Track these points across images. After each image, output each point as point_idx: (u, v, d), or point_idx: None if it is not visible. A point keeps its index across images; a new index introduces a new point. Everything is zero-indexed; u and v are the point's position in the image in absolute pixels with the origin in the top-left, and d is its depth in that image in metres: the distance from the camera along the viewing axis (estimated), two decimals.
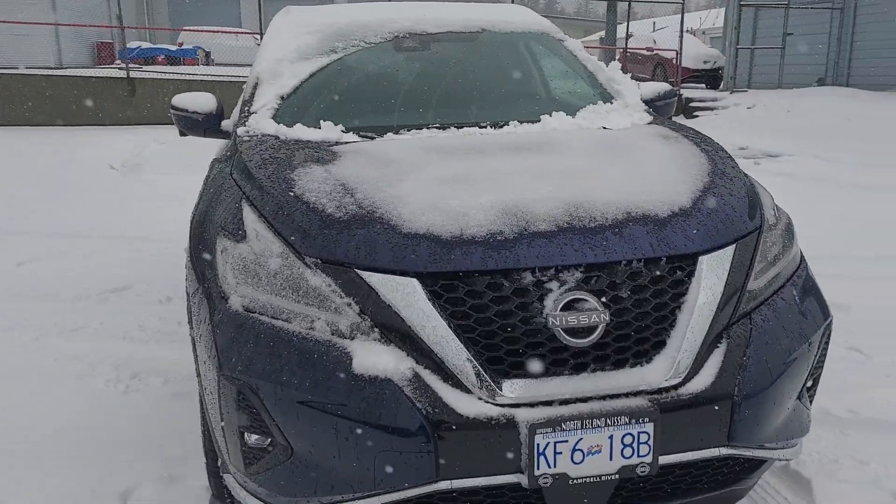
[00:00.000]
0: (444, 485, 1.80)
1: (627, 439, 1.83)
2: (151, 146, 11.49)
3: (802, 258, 2.34)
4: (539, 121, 2.82)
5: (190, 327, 2.32)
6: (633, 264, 1.92)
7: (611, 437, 1.82)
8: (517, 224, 1.95)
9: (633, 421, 1.82)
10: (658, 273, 1.94)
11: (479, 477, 1.81)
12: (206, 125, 3.02)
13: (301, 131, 2.65)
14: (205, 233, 2.26)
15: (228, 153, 2.74)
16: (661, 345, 1.91)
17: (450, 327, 1.82)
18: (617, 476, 1.85)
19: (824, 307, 2.23)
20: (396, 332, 1.84)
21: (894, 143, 10.23)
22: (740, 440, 1.94)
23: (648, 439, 1.84)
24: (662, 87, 3.32)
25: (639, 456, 1.85)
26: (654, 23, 34.83)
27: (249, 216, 2.10)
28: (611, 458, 1.83)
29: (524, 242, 1.91)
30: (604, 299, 1.87)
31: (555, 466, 1.80)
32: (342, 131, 2.65)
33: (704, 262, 1.99)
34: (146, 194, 8.27)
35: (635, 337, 1.90)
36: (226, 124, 3.04)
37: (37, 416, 3.17)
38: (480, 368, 1.81)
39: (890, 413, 3.05)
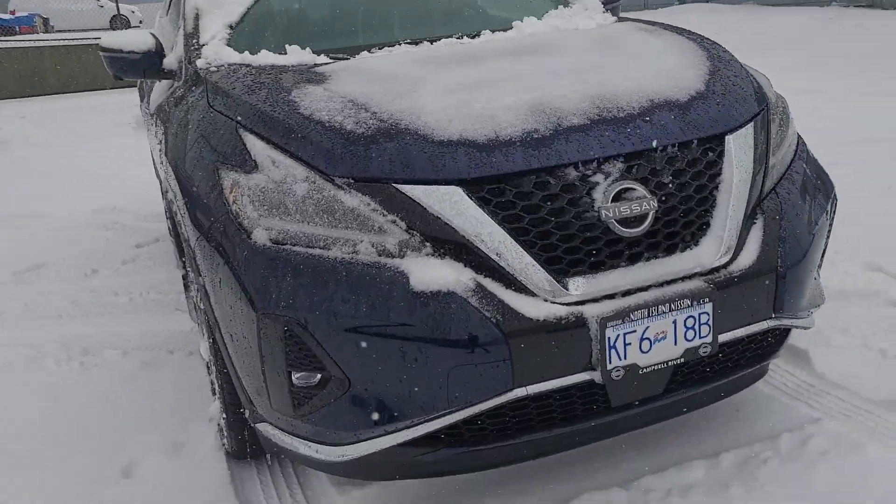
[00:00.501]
0: (519, 392, 1.75)
1: (689, 322, 1.83)
2: (14, 121, 10.61)
3: (799, 136, 2.39)
4: (512, 28, 2.73)
5: (191, 276, 2.15)
6: (669, 149, 1.90)
7: (675, 322, 1.81)
8: (550, 121, 1.88)
9: (694, 303, 1.82)
10: (692, 156, 1.93)
11: (552, 380, 1.77)
12: (145, 65, 2.75)
13: (270, 57, 2.46)
14: (196, 172, 2.06)
15: (187, 89, 2.51)
16: (705, 226, 1.91)
17: (506, 232, 1.75)
18: (682, 359, 1.85)
19: (828, 179, 2.30)
20: (450, 243, 1.75)
21: (760, 52, 10.73)
22: (784, 311, 1.98)
23: (708, 319, 1.85)
24: None
25: (700, 337, 1.85)
26: None
27: (256, 144, 1.93)
28: (675, 343, 1.83)
29: (562, 138, 1.84)
30: (648, 187, 1.85)
31: (625, 358, 1.78)
32: (313, 53, 2.47)
33: (731, 141, 1.99)
34: (23, 170, 7.65)
35: (682, 221, 1.89)
36: (168, 62, 2.78)
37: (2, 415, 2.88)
38: (543, 269, 1.75)
39: (853, 283, 3.22)
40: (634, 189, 1.83)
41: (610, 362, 1.77)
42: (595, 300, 1.78)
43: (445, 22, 2.97)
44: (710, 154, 1.96)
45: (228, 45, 2.62)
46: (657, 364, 1.83)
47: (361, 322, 1.71)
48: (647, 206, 1.82)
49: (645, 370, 1.81)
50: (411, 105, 1.95)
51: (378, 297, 1.72)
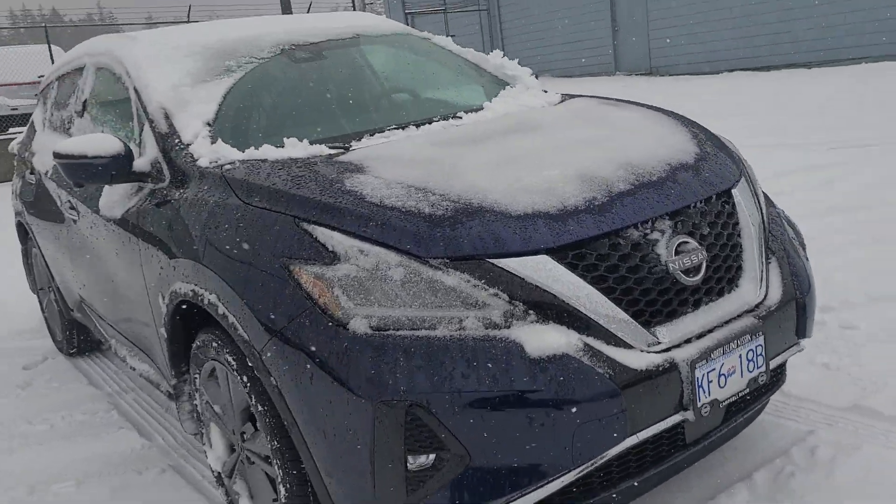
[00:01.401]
0: (631, 440, 1.87)
1: (750, 354, 2.05)
2: None
3: None
4: (483, 108, 2.91)
5: (196, 383, 2.22)
6: (699, 205, 2.14)
7: (740, 356, 2.03)
8: (602, 189, 2.06)
9: (752, 337, 2.05)
10: (716, 209, 2.18)
11: (655, 424, 1.90)
12: (114, 168, 2.62)
13: (276, 151, 2.45)
14: (252, 272, 2.02)
15: (180, 189, 2.44)
16: (739, 269, 2.16)
17: (599, 292, 1.89)
18: (747, 389, 2.06)
19: (790, 219, 2.66)
20: (551, 308, 1.86)
21: None
22: (804, 335, 2.27)
23: (762, 350, 2.08)
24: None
25: (757, 367, 2.08)
26: None
27: (333, 235, 1.94)
28: (741, 375, 2.04)
29: (618, 203, 2.03)
30: (695, 239, 2.07)
31: (710, 395, 1.96)
32: (312, 144, 2.50)
33: (737, 193, 2.28)
34: None
35: (724, 266, 2.12)
36: (140, 164, 2.67)
37: None
38: (636, 323, 1.91)
39: None
40: (688, 242, 2.04)
41: (699, 400, 1.94)
42: (678, 346, 1.95)
43: (419, 104, 3.10)
44: (727, 206, 2.23)
45: (213, 142, 2.58)
46: (730, 397, 2.02)
47: (485, 395, 1.76)
48: (701, 256, 2.04)
49: (722, 404, 2.00)
50: (471, 184, 2.05)
51: (498, 369, 1.78)
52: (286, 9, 17.80)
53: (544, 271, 1.87)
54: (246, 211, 2.16)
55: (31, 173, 4.16)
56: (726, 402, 2.02)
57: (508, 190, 2.02)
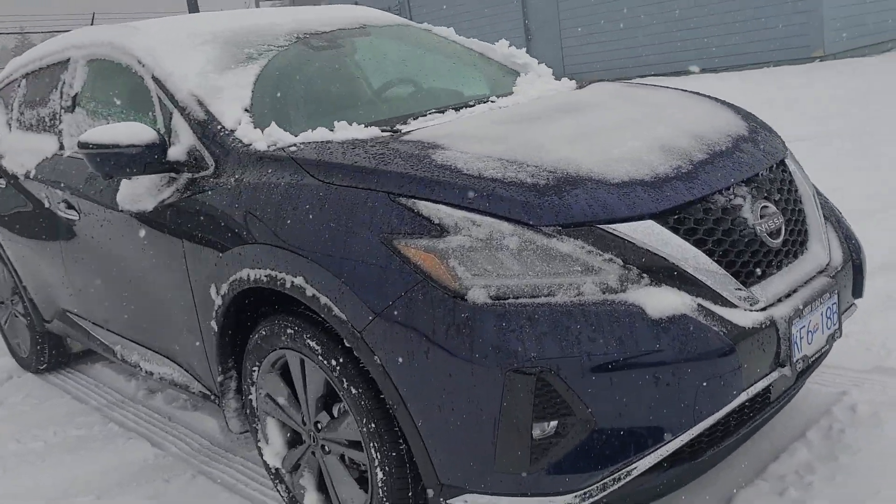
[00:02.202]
0: (743, 396, 1.92)
1: (828, 312, 2.15)
2: None
3: None
4: (512, 92, 2.94)
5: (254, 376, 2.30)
6: (767, 172, 2.24)
7: (822, 314, 2.12)
8: (684, 159, 2.12)
9: (829, 295, 2.15)
10: (780, 176, 2.28)
11: (761, 380, 1.97)
12: (148, 158, 2.50)
13: (331, 134, 2.40)
14: (350, 251, 1.96)
15: (236, 174, 2.35)
16: (806, 233, 2.27)
17: (704, 254, 1.94)
18: (826, 346, 2.16)
19: None
20: (663, 271, 1.89)
21: None
22: (860, 293, 2.39)
23: (837, 309, 2.19)
24: None
25: (833, 324, 2.18)
26: None
27: (439, 208, 1.91)
28: (823, 332, 2.14)
29: (702, 171, 2.09)
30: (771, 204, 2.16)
31: (801, 350, 2.04)
32: (364, 127, 2.46)
33: (790, 163, 2.39)
34: None
35: (796, 229, 2.22)
36: (175, 153, 2.56)
37: None
38: (739, 283, 1.97)
39: None
40: (768, 206, 2.12)
41: (794, 356, 2.02)
42: (773, 304, 2.02)
43: (451, 89, 3.09)
44: (786, 174, 2.33)
45: (256, 127, 2.50)
46: (815, 353, 2.11)
47: (613, 358, 1.78)
48: (780, 219, 2.12)
49: (809, 359, 2.09)
50: (563, 156, 2.07)
51: (623, 331, 1.80)
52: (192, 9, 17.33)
53: (653, 235, 1.90)
54: (328, 190, 2.10)
55: (0, 177, 3.89)
56: (812, 358, 2.10)
57: (601, 160, 2.05)
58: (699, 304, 1.88)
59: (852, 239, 2.42)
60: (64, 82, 3.41)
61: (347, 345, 2.03)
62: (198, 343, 2.63)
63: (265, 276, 2.18)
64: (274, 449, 2.48)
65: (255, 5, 42.92)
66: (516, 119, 2.44)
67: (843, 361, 3.02)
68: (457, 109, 2.69)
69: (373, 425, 2.04)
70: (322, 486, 2.40)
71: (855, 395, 2.74)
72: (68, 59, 3.43)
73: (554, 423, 1.83)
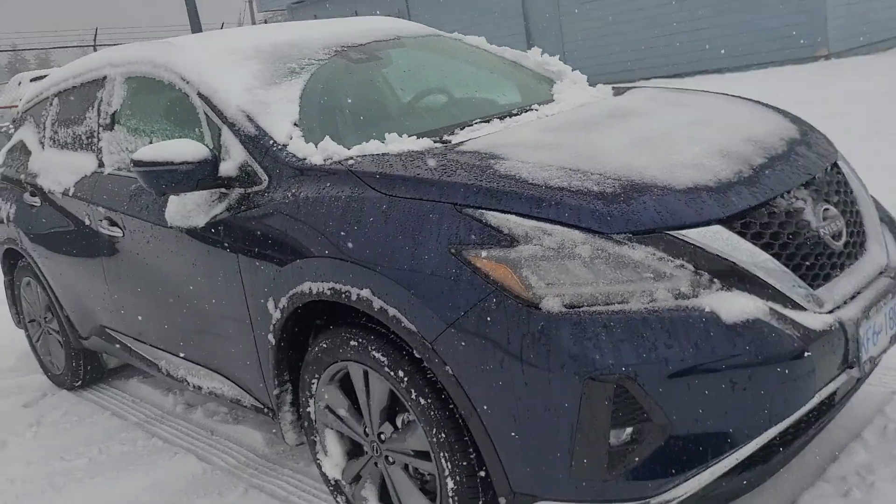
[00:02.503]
0: (815, 399, 1.93)
1: (891, 313, 2.16)
2: None
3: None
4: (553, 100, 2.95)
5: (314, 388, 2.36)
6: (823, 175, 2.25)
7: (885, 315, 2.13)
8: (745, 164, 2.13)
9: (892, 296, 2.16)
10: (835, 179, 2.30)
11: (831, 382, 1.98)
12: (200, 174, 2.52)
13: (384, 146, 2.42)
14: (418, 264, 1.97)
15: (293, 189, 2.37)
16: (864, 234, 2.28)
17: (772, 258, 1.95)
18: (889, 346, 2.17)
19: None
20: (733, 276, 1.90)
21: None
22: None
23: None
24: None
25: (894, 325, 2.19)
26: None
27: (508, 219, 1.92)
28: (886, 333, 2.14)
29: (762, 175, 2.11)
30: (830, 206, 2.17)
31: (868, 352, 2.05)
32: (417, 139, 2.47)
33: (842, 165, 2.40)
34: None
35: (855, 231, 2.23)
36: (226, 169, 2.57)
37: None
38: (807, 286, 1.98)
39: None
40: (829, 208, 2.14)
41: (863, 357, 2.02)
42: (840, 306, 2.03)
43: (493, 98, 3.11)
44: (840, 176, 2.34)
45: (307, 141, 2.52)
46: (879, 353, 2.12)
47: (690, 363, 1.79)
48: (841, 221, 2.14)
49: (875, 360, 2.10)
50: (625, 163, 2.08)
51: (699, 336, 1.80)
52: (195, 28, 17.40)
53: (721, 240, 1.92)
54: (392, 203, 2.11)
55: (33, 196, 3.90)
56: (878, 359, 2.11)
57: (664, 167, 2.06)
58: (771, 308, 1.89)
59: None
60: (101, 100, 3.43)
61: (417, 356, 2.04)
62: (251, 357, 2.64)
63: (328, 289, 2.19)
64: (333, 460, 2.49)
65: (249, 16, 43.06)
66: (569, 127, 2.45)
67: (891, 361, 3.02)
68: (501, 119, 2.71)
69: (442, 435, 2.05)
70: (383, 497, 2.41)
71: None
72: (104, 77, 3.44)
73: (630, 430, 1.84)
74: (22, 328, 4.60)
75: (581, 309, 1.83)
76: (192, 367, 3.09)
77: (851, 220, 2.24)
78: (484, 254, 1.91)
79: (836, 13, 13.05)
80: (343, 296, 2.15)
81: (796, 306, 1.94)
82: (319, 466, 2.54)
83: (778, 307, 1.91)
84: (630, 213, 1.91)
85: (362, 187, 2.21)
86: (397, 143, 2.43)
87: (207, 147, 2.56)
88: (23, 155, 4.17)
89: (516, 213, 1.94)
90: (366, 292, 2.08)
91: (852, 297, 2.08)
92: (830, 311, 1.99)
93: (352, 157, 2.36)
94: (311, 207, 2.28)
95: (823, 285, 2.04)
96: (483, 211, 1.97)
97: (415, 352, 2.04)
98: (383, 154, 2.34)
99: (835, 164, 2.37)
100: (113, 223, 3.20)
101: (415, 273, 1.99)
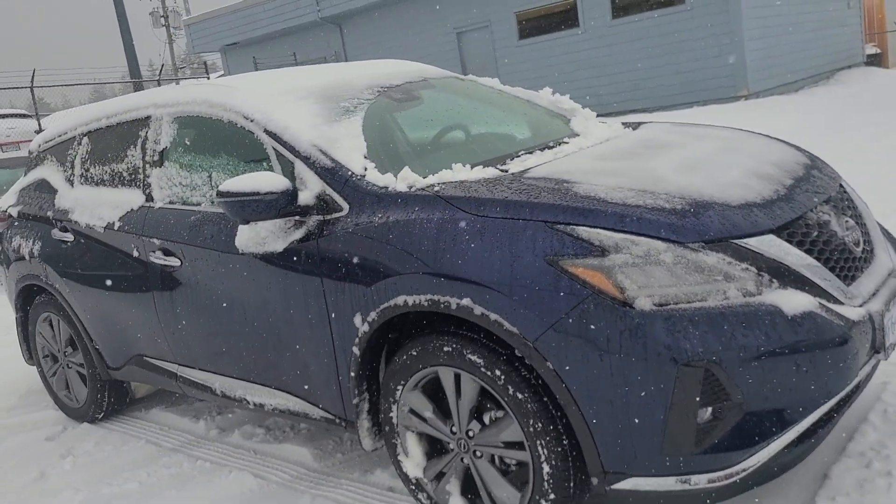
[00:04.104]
0: (856, 378, 2.30)
1: None
2: None
3: None
4: (578, 134, 3.32)
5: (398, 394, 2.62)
6: (836, 193, 2.67)
7: None
8: (779, 184, 2.53)
9: None
10: (843, 196, 2.72)
11: (865, 365, 2.36)
12: (283, 203, 2.76)
13: (453, 174, 2.71)
14: (517, 274, 2.27)
15: (370, 215, 2.63)
16: (871, 243, 2.69)
17: (816, 261, 2.33)
18: None
19: None
20: (787, 276, 2.27)
21: None
22: None
23: None
24: None
25: None
26: None
27: (598, 232, 2.24)
28: None
29: (795, 193, 2.51)
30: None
31: (889, 338, 2.45)
32: (483, 168, 2.79)
33: (845, 185, 2.83)
34: None
35: (865, 239, 2.65)
36: (304, 198, 2.82)
37: None
38: (842, 284, 2.36)
39: None
40: (849, 220, 2.55)
41: (887, 343, 2.42)
42: (867, 301, 2.43)
43: (527, 133, 3.45)
44: (846, 193, 2.77)
45: (380, 172, 2.79)
46: (894, 342, 2.52)
47: (763, 349, 2.13)
48: (858, 231, 2.55)
49: (892, 347, 2.50)
50: (684, 185, 2.44)
51: (768, 327, 2.16)
52: (133, 68, 17.29)
53: (775, 246, 2.29)
54: (485, 223, 2.40)
55: (64, 231, 4.02)
56: (894, 346, 2.51)
57: (717, 187, 2.44)
58: (820, 303, 2.26)
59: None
60: (146, 139, 3.61)
61: (518, 355, 2.33)
62: (328, 371, 2.86)
63: (426, 300, 2.45)
64: (414, 461, 2.73)
65: (170, 57, 42.65)
66: (616, 156, 2.81)
67: None
68: (541, 150, 3.05)
69: (539, 425, 2.33)
70: (466, 490, 2.65)
71: None
72: (148, 117, 3.63)
73: (710, 409, 2.17)
74: (34, 364, 4.64)
75: (669, 307, 2.16)
76: (251, 387, 3.28)
77: (862, 231, 2.66)
78: (580, 263, 2.22)
79: (754, 57, 14.09)
80: (442, 305, 2.42)
81: (836, 301, 2.32)
82: (400, 467, 2.77)
83: (824, 301, 2.28)
84: (700, 225, 2.26)
85: (452, 210, 2.49)
86: (465, 172, 2.73)
87: (287, 179, 2.80)
88: (45, 193, 4.28)
89: (604, 228, 2.26)
90: (466, 301, 2.36)
91: (873, 294, 2.48)
92: (861, 305, 2.38)
93: (434, 184, 2.65)
94: (403, 229, 2.55)
95: (853, 284, 2.44)
96: (574, 226, 2.28)
97: (516, 351, 2.32)
98: (461, 181, 2.64)
99: (840, 185, 2.80)
100: (169, 253, 3.37)
101: (514, 282, 2.28)
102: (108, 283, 3.77)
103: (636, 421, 2.17)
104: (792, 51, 15.25)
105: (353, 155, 2.85)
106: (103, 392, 4.20)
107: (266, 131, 3.05)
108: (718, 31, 13.99)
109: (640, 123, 3.57)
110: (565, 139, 3.23)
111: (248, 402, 3.31)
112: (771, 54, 14.54)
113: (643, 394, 2.15)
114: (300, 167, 2.90)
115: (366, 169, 2.80)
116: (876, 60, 19.28)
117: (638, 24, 15.03)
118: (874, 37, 21.16)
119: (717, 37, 14.02)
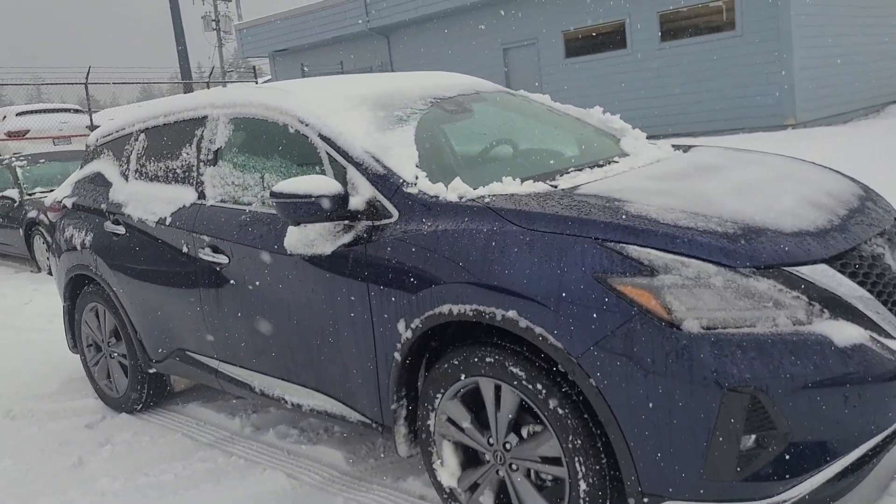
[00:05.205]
0: None
1: None
2: None
3: None
4: (629, 154, 3.32)
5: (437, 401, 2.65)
6: (889, 226, 2.64)
7: None
8: (832, 214, 2.51)
9: None
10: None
11: None
12: (334, 207, 2.80)
13: (503, 187, 2.73)
14: (564, 288, 2.27)
15: (422, 222, 2.66)
16: None
17: (869, 293, 2.30)
18: None
19: None
20: (839, 307, 2.25)
21: None
22: None
23: None
24: None
25: None
26: None
27: (649, 252, 2.24)
28: None
29: (848, 223, 2.48)
30: None
31: None
32: (533, 182, 2.80)
33: None
34: None
35: None
36: (355, 203, 2.86)
37: None
38: (895, 318, 2.33)
39: None
40: None
41: None
42: None
43: (581, 149, 3.47)
44: None
45: (431, 181, 2.82)
46: None
47: (811, 379, 2.11)
48: None
49: None
50: (736, 209, 2.43)
51: (818, 357, 2.14)
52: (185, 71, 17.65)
53: (827, 276, 2.26)
54: (534, 236, 2.41)
55: (117, 224, 4.11)
56: None
57: (769, 213, 2.42)
58: (871, 336, 2.23)
59: None
60: (202, 138, 3.69)
61: (561, 370, 2.33)
62: (368, 375, 2.89)
63: (471, 310, 2.47)
64: (449, 470, 2.74)
65: (219, 60, 43.44)
66: (668, 177, 2.81)
67: None
68: (591, 168, 3.05)
69: (578, 441, 2.33)
70: (499, 502, 2.65)
71: None
72: (205, 117, 3.71)
73: (754, 436, 2.15)
74: (77, 353, 4.74)
75: (717, 330, 2.15)
76: (290, 387, 3.31)
77: None
78: (629, 281, 2.22)
79: (803, 86, 13.92)
80: (487, 316, 2.43)
81: (887, 335, 2.29)
82: (435, 475, 2.78)
83: (875, 335, 2.26)
84: (752, 250, 2.25)
85: (502, 222, 2.51)
86: (515, 186, 2.75)
87: (340, 183, 2.85)
88: (100, 186, 4.38)
89: (654, 248, 2.26)
90: (512, 313, 2.37)
91: None
92: None
93: (485, 196, 2.67)
94: (452, 238, 2.57)
95: None
96: (624, 245, 2.29)
97: (559, 366, 2.32)
98: (512, 194, 2.66)
99: (895, 218, 2.76)
100: (217, 250, 3.43)
101: (561, 296, 2.29)
102: (156, 276, 3.85)
103: (677, 444, 2.17)
104: (842, 82, 15.03)
105: (404, 163, 2.89)
106: (143, 384, 4.28)
107: (320, 136, 3.10)
108: (769, 58, 13.85)
109: (690, 146, 3.56)
110: (615, 158, 3.24)
111: (286, 402, 3.34)
112: (821, 84, 14.35)
113: (686, 417, 2.14)
114: (352, 172, 2.94)
115: (417, 177, 2.83)
116: None
117: (687, 47, 14.95)
118: None
119: (767, 64, 13.88)
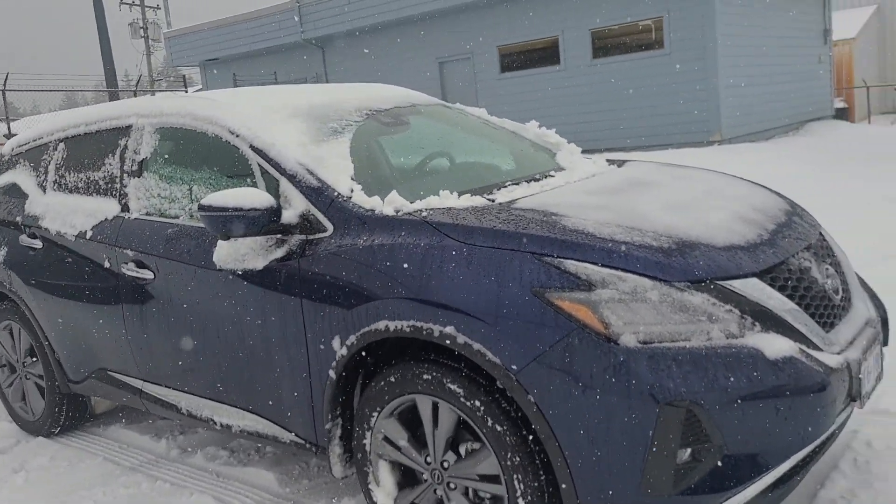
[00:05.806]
0: (833, 425, 2.30)
1: (877, 357, 2.59)
2: None
3: None
4: (564, 168, 3.33)
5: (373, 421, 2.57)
6: (814, 241, 2.70)
7: (875, 357, 2.56)
8: (762, 229, 2.55)
9: (877, 342, 2.59)
10: (822, 243, 2.75)
11: (842, 412, 2.36)
12: (265, 221, 2.71)
13: (440, 201, 2.69)
14: (502, 304, 2.24)
15: (357, 236, 2.60)
16: (848, 290, 2.72)
17: (798, 307, 2.34)
18: (875, 384, 2.58)
19: None
20: (769, 320, 2.27)
21: None
22: (887, 342, 2.85)
23: (881, 353, 2.63)
24: None
25: (879, 368, 2.61)
26: None
27: (586, 267, 2.23)
28: (873, 374, 2.56)
29: (777, 238, 2.52)
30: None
31: (865, 387, 2.46)
32: (471, 196, 2.77)
33: (824, 233, 2.87)
34: None
35: (843, 288, 2.67)
36: (288, 216, 2.78)
37: None
38: (822, 330, 2.37)
39: None
40: (829, 268, 2.57)
41: (863, 392, 2.43)
42: (845, 349, 2.44)
43: (518, 163, 3.44)
44: (825, 241, 2.80)
45: (367, 194, 2.76)
46: (870, 391, 2.53)
47: (744, 392, 2.12)
48: (838, 279, 2.57)
49: (869, 395, 2.51)
50: (670, 224, 2.44)
51: (750, 370, 2.15)
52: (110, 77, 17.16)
53: (758, 290, 2.29)
54: (472, 251, 2.38)
55: (33, 238, 3.92)
56: (870, 395, 2.52)
57: (703, 228, 2.44)
58: (800, 348, 2.27)
59: (876, 297, 2.90)
60: (126, 148, 3.54)
61: (499, 386, 2.29)
62: (301, 393, 2.80)
63: (408, 326, 2.41)
64: (385, 490, 2.67)
65: (146, 68, 42.47)
66: (603, 192, 2.81)
67: None
68: (528, 182, 3.04)
69: (517, 458, 2.29)
70: None
71: (867, 433, 3.19)
72: (129, 126, 3.57)
73: (689, 450, 2.15)
74: None
75: (653, 345, 2.15)
76: (219, 407, 3.19)
77: (841, 280, 2.68)
78: (566, 296, 2.20)
79: (728, 104, 14.37)
80: (424, 332, 2.38)
81: (815, 347, 2.33)
82: (370, 496, 2.70)
83: (804, 347, 2.29)
84: (686, 265, 2.26)
85: (439, 236, 2.47)
86: (452, 200, 2.71)
87: (272, 196, 2.76)
88: (15, 197, 4.17)
89: (591, 262, 2.25)
90: (449, 329, 2.32)
91: (851, 342, 2.49)
92: (839, 353, 2.39)
93: (422, 210, 2.62)
94: (388, 253, 2.51)
95: (831, 331, 2.45)
96: (561, 259, 2.27)
97: (498, 382, 2.29)
98: (449, 208, 2.62)
99: (820, 233, 2.82)
100: (142, 265, 3.29)
101: (499, 312, 2.25)
102: (76, 292, 3.68)
103: (616, 459, 2.15)
104: (765, 100, 15.59)
105: (339, 176, 2.82)
106: (61, 406, 4.08)
107: (252, 147, 3.01)
108: (695, 76, 14.26)
109: (624, 161, 3.59)
110: (551, 172, 3.24)
111: (215, 423, 3.22)
112: (744, 102, 14.84)
113: (624, 432, 2.12)
114: (285, 185, 2.86)
115: (352, 190, 2.77)
116: (843, 114, 19.77)
117: (618, 65, 15.26)
118: (842, 91, 21.77)
119: (694, 82, 14.28)
